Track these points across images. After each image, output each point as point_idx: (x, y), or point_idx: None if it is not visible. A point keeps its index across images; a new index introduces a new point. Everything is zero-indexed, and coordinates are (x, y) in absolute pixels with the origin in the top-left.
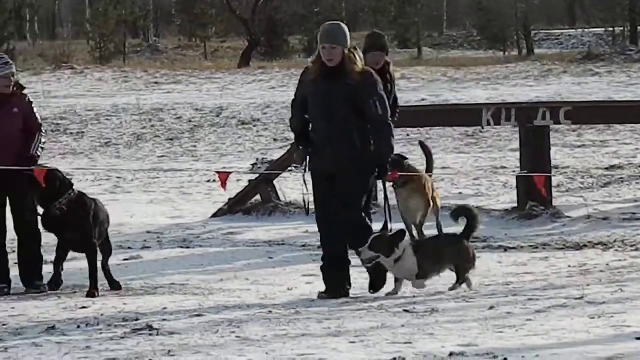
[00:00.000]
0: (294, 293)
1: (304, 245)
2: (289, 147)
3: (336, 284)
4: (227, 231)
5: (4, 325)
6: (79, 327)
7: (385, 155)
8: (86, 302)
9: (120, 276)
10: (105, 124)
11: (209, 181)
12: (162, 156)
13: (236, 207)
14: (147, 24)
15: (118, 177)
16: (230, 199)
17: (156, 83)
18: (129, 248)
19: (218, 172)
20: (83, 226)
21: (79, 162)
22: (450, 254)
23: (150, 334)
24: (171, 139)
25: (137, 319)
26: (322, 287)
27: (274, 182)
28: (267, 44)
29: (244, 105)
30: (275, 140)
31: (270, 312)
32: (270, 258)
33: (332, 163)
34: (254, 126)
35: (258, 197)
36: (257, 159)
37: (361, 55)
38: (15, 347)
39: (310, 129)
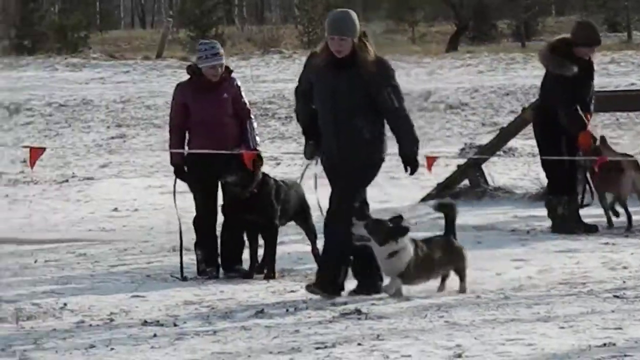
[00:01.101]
0: (503, 278)
1: (513, 230)
2: (497, 132)
3: (330, 280)
4: (434, 216)
5: (213, 308)
6: (287, 310)
7: (411, 151)
8: (294, 286)
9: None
10: None
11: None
12: None
13: (444, 191)
14: (356, 8)
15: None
16: (438, 184)
17: None
18: None
19: (427, 157)
20: (266, 208)
21: (287, 147)
22: (445, 258)
23: (359, 318)
24: None
25: (345, 303)
26: (531, 272)
27: (482, 166)
28: (475, 28)
29: (452, 90)
30: (483, 124)
31: (479, 297)
32: (479, 242)
33: (340, 158)
34: (462, 110)
35: (466, 181)
36: (465, 144)
37: (371, 42)
38: (224, 330)
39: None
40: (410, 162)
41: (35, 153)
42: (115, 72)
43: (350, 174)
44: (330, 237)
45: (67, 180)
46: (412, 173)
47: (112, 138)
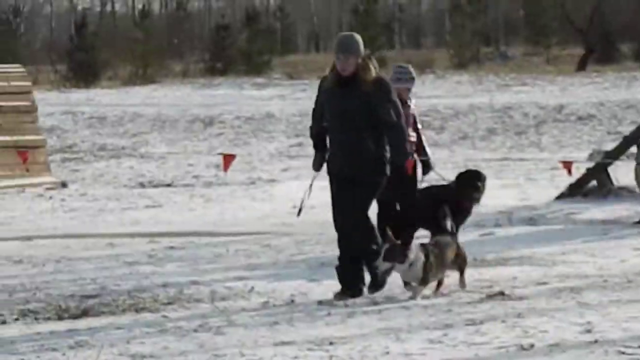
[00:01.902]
0: (626, 264)
1: (638, 222)
2: (621, 139)
3: (352, 283)
4: (567, 211)
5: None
6: (441, 293)
7: (400, 159)
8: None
9: (477, 249)
10: (462, 120)
11: (552, 169)
12: (511, 147)
13: (575, 190)
14: (497, 34)
15: (474, 165)
16: (570, 184)
17: (506, 85)
18: (483, 225)
19: (562, 162)
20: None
21: (440, 153)
22: (452, 257)
23: (503, 299)
24: (519, 133)
25: (491, 286)
26: None
27: (608, 169)
28: (601, 51)
29: (582, 104)
30: (608, 133)
31: (606, 280)
32: (605, 234)
33: (347, 169)
34: (590, 121)
35: (594, 182)
36: (593, 150)
37: (375, 63)
38: (388, 309)
39: (327, 136)
40: (398, 168)
41: (228, 159)
42: (293, 90)
43: (360, 187)
44: (347, 245)
45: (253, 182)
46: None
47: (292, 146)
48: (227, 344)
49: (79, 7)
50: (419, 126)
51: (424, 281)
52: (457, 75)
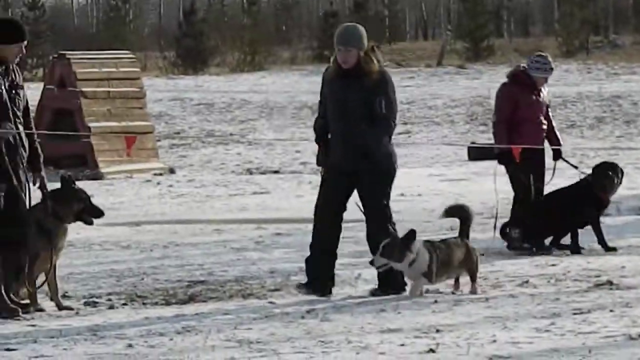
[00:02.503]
0: None
1: None
2: None
3: (321, 279)
4: None
5: (485, 279)
6: (548, 281)
7: (368, 147)
8: (555, 260)
9: (585, 238)
10: (570, 108)
11: None
12: (620, 136)
13: None
14: (607, 23)
15: (582, 155)
16: None
17: (615, 74)
18: None
19: None
20: None
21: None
22: (461, 258)
23: (610, 289)
24: (628, 122)
25: (598, 276)
26: None
27: None
28: None
29: None
30: None
31: None
32: None
33: (347, 163)
34: None
35: None
36: None
37: (379, 56)
38: (495, 297)
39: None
40: (360, 158)
41: (131, 140)
42: (401, 78)
43: (371, 184)
44: (323, 238)
45: None
46: (381, 178)
47: (399, 134)
48: (334, 330)
49: None
50: (551, 114)
51: (428, 276)
52: (566, 63)
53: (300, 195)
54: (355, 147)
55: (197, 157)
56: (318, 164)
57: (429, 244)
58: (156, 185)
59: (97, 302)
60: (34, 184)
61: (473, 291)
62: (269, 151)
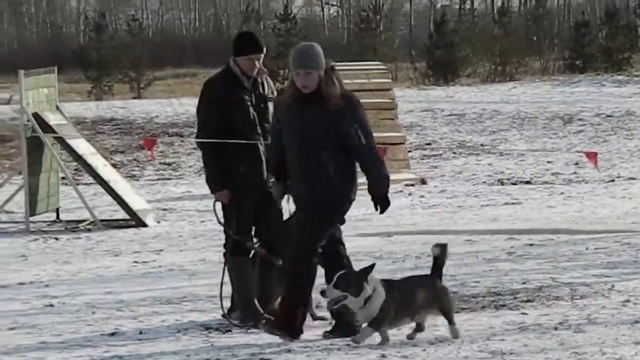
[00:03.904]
0: None
1: None
2: None
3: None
4: None
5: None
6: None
7: (381, 191)
8: None
9: None
10: None
11: None
12: None
13: None
14: None
15: None
16: None
17: None
18: None
19: None
20: None
21: None
22: (429, 298)
23: None
24: None
25: None
26: None
27: None
28: None
29: None
30: None
31: None
32: None
33: (306, 195)
34: None
35: None
36: None
37: (339, 76)
38: None
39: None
40: (380, 201)
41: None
42: None
43: (316, 211)
44: (293, 278)
45: (613, 180)
46: (382, 212)
47: None
48: (588, 342)
49: (438, 5)
50: None
51: (376, 323)
52: None
53: (552, 206)
54: (314, 184)
55: (449, 167)
56: (274, 197)
57: (386, 283)
58: (408, 196)
59: None
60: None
61: (454, 334)
62: (520, 162)
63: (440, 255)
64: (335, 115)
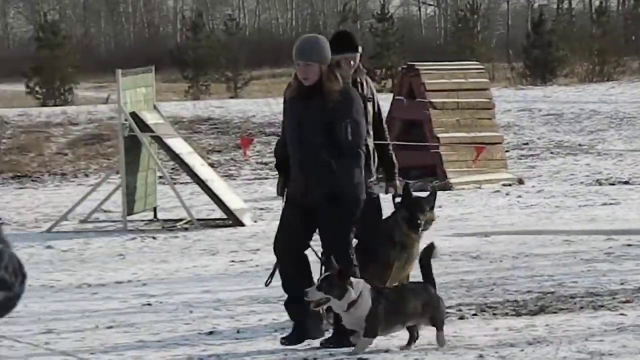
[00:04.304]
0: None
1: None
2: None
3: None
4: None
5: None
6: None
7: (342, 186)
8: None
9: None
10: None
11: None
12: None
13: None
14: None
15: None
16: None
17: None
18: None
19: None
20: None
21: None
22: (420, 306)
23: None
24: None
25: None
26: None
27: None
28: None
29: None
30: None
31: None
32: None
33: (304, 198)
34: None
35: None
36: None
37: (344, 72)
38: None
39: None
40: (334, 199)
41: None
42: None
43: (331, 223)
44: (291, 280)
45: None
46: (340, 219)
47: None
48: None
49: (536, 4)
50: None
51: (369, 332)
52: None
53: None
54: (314, 180)
55: (546, 167)
56: (277, 192)
57: (373, 290)
58: (505, 196)
59: (448, 313)
60: (386, 193)
61: (440, 342)
62: (618, 162)
63: (422, 258)
64: (331, 112)
